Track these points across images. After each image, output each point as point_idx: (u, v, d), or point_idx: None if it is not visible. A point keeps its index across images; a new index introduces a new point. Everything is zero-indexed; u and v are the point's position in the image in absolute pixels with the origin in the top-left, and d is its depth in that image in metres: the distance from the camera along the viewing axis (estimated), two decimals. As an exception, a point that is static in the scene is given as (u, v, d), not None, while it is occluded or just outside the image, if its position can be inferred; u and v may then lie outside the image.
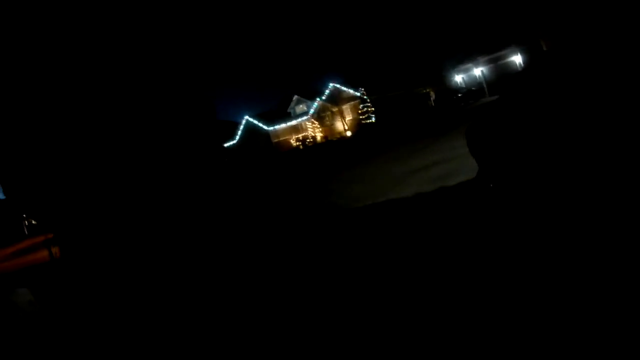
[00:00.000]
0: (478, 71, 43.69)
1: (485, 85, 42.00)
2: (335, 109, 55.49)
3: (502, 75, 39.43)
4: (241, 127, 62.59)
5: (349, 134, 52.42)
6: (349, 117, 54.83)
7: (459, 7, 47.31)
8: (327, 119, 56.50)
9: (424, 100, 49.73)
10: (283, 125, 59.47)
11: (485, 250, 5.93)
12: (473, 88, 43.27)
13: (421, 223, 8.77)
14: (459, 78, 46.72)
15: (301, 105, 60.46)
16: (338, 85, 56.20)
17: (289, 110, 61.99)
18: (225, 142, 64.74)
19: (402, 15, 57.57)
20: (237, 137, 62.88)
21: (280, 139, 58.81)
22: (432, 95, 50.05)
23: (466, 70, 45.47)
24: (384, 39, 56.03)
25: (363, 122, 51.36)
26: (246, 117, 62.01)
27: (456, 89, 45.66)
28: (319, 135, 55.85)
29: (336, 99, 55.81)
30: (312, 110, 57.30)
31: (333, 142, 49.76)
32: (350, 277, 6.94)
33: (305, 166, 33.08)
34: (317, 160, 34.60)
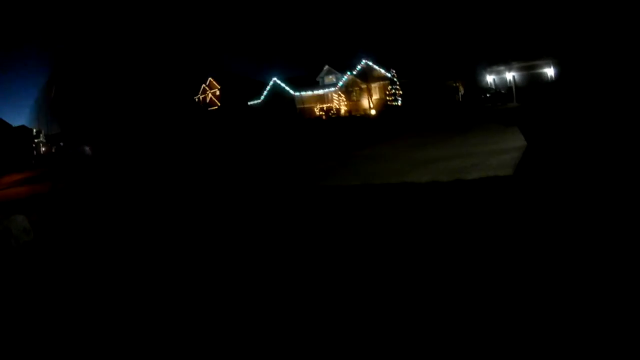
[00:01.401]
0: (510, 75, 43.99)
1: (514, 90, 42.31)
2: (363, 86, 55.80)
3: (532, 84, 39.83)
4: (268, 87, 63.13)
5: (373, 112, 52.89)
6: (376, 96, 55.20)
7: (503, 10, 47.09)
8: (354, 94, 56.91)
9: (452, 93, 50.03)
10: (310, 93, 59.98)
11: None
12: (502, 91, 43.57)
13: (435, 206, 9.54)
14: (489, 78, 47.01)
15: (331, 76, 60.77)
16: (370, 63, 56.32)
17: (317, 79, 62.29)
18: (250, 100, 65.48)
19: (447, 7, 57.12)
20: (263, 97, 63.50)
21: (305, 105, 59.40)
22: (461, 90, 50.36)
23: (498, 72, 45.76)
24: (423, 26, 55.72)
25: (389, 103, 51.74)
26: (274, 78, 62.51)
27: (485, 88, 45.99)
28: (343, 109, 56.36)
29: (366, 76, 56.03)
30: (341, 83, 57.63)
31: (356, 117, 50.35)
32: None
33: (326, 138, 33.66)
34: (338, 132, 35.23)
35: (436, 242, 7.11)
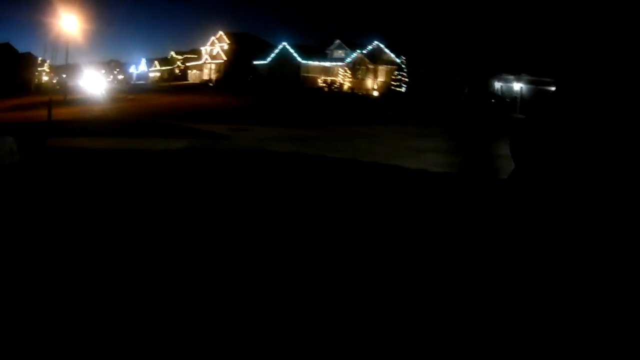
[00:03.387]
0: (517, 86, 43.76)
1: (519, 102, 42.15)
2: (371, 66, 55.73)
3: (539, 99, 39.52)
4: (276, 50, 62.69)
5: (375, 94, 52.79)
6: (381, 79, 55.18)
7: (525, 24, 46.66)
8: (360, 72, 56.78)
9: (457, 92, 49.65)
10: (316, 63, 59.66)
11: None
12: (507, 99, 43.27)
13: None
14: (497, 85, 46.82)
15: (340, 51, 60.50)
16: (382, 46, 56.31)
17: (326, 51, 62.04)
18: (255, 59, 65.02)
19: (470, 11, 56.44)
20: (269, 59, 63.06)
21: (310, 75, 59.08)
22: (466, 90, 50.01)
23: (506, 81, 45.52)
24: (440, 22, 55.26)
25: (393, 88, 51.61)
26: (284, 43, 61.99)
27: (491, 94, 45.64)
28: (347, 85, 56.14)
29: (375, 57, 56.00)
30: (349, 59, 57.46)
31: (357, 95, 50.13)
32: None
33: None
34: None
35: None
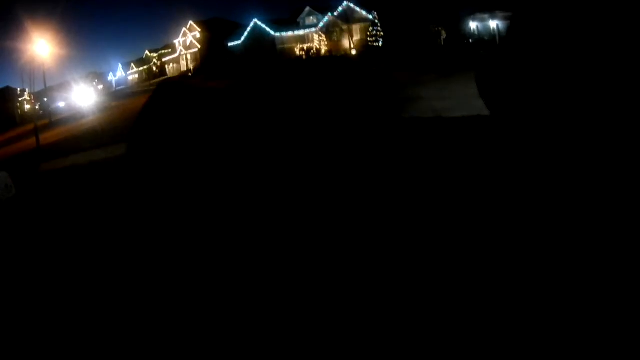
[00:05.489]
0: (494, 24, 43.24)
1: (497, 39, 41.70)
2: (344, 27, 55.42)
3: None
4: (248, 29, 62.17)
5: (354, 52, 52.50)
6: (356, 37, 54.93)
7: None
8: (335, 34, 56.50)
9: (434, 38, 49.19)
10: (290, 34, 59.21)
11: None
12: (485, 38, 42.87)
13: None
14: (473, 25, 46.26)
15: (312, 17, 59.95)
16: (352, 5, 55.94)
17: (298, 20, 61.50)
18: (229, 41, 64.55)
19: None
20: (243, 39, 62.56)
21: (286, 46, 58.65)
22: (443, 35, 49.54)
23: (482, 20, 44.94)
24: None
25: (370, 44, 51.47)
26: (255, 20, 61.47)
27: (468, 35, 45.28)
28: (323, 49, 55.86)
29: (348, 17, 55.66)
30: (321, 24, 57.13)
31: (336, 57, 49.68)
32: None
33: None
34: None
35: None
